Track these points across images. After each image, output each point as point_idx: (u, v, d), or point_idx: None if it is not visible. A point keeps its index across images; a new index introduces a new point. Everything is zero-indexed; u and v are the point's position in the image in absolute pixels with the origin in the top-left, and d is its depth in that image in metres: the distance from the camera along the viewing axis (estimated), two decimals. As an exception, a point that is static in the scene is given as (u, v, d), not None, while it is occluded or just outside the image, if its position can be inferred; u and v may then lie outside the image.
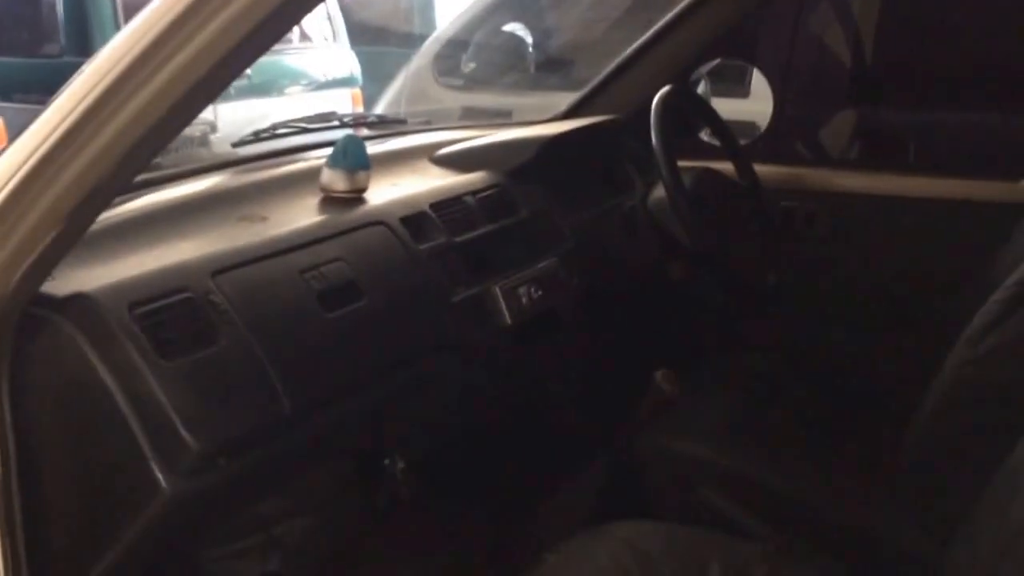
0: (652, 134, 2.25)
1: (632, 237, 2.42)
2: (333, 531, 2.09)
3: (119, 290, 1.43)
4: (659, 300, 2.55)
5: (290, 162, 2.19)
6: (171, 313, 1.45)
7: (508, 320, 2.01)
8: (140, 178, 1.85)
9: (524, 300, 2.05)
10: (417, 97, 5.20)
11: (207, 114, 5.49)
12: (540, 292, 2.09)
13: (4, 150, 1.24)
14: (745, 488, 2.03)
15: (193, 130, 5.11)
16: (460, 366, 1.93)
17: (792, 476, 2.01)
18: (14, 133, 1.27)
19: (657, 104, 2.30)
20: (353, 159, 1.95)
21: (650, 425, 2.19)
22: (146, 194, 1.82)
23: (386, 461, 2.01)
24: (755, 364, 2.43)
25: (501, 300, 2.01)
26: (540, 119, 2.85)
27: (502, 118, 4.09)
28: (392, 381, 1.78)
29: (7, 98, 5.39)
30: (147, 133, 1.17)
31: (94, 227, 1.61)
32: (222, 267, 1.56)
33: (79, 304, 1.40)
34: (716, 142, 2.71)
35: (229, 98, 5.56)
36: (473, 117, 4.82)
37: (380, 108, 5.35)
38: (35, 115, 1.23)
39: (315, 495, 2.00)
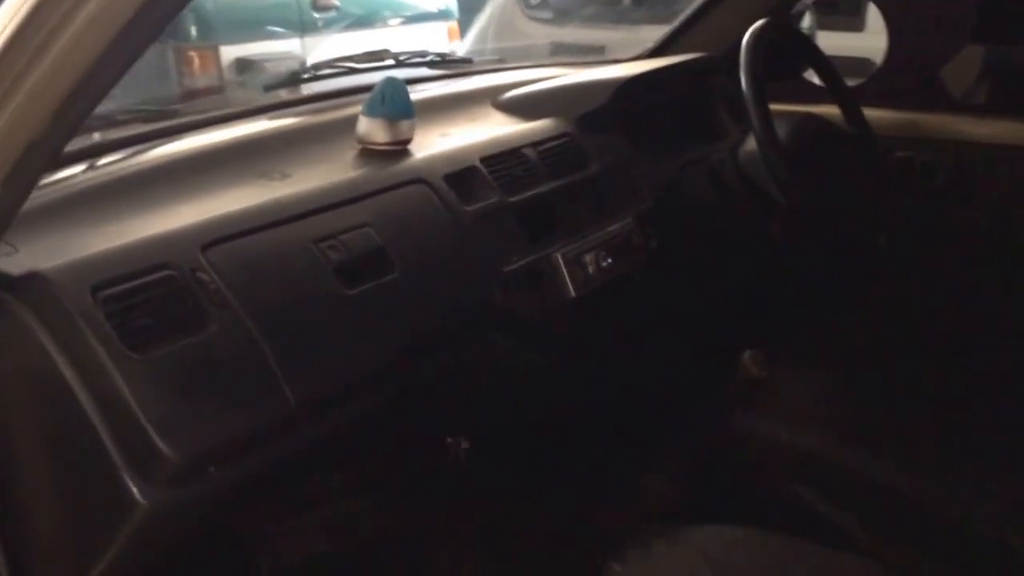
0: (741, 74, 1.95)
1: (721, 194, 2.14)
2: (392, 511, 1.93)
3: (80, 269, 1.21)
4: (750, 267, 2.25)
5: (332, 108, 1.94)
6: (146, 295, 1.23)
7: (572, 292, 1.76)
8: (145, 129, 1.64)
9: (591, 269, 1.80)
10: (504, 31, 4.92)
11: (294, 48, 5.27)
12: (610, 259, 1.83)
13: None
14: (843, 482, 1.81)
15: (278, 66, 4.90)
16: (514, 344, 1.69)
17: (900, 470, 1.78)
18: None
19: (748, 39, 1.99)
20: (393, 106, 1.70)
21: (736, 410, 1.92)
22: (151, 148, 1.60)
23: (448, 440, 1.83)
24: (859, 339, 2.13)
25: (563, 269, 1.75)
26: (625, 58, 2.55)
27: (594, 55, 3.77)
28: (430, 365, 1.55)
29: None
30: (82, 78, 0.94)
31: (78, 188, 1.40)
32: (215, 238, 1.33)
33: (34, 285, 1.19)
34: (821, 83, 2.37)
35: (318, 31, 5.35)
36: (562, 54, 4.52)
37: (466, 44, 5.07)
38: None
39: (371, 474, 1.83)
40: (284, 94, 1.96)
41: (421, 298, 1.51)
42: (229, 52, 4.97)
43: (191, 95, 4.39)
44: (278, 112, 1.87)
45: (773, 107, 1.97)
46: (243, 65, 4.90)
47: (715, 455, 1.94)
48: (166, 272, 1.25)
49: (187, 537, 1.34)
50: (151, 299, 1.22)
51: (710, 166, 2.14)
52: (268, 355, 1.28)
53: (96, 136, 1.63)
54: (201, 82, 4.87)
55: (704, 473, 2.00)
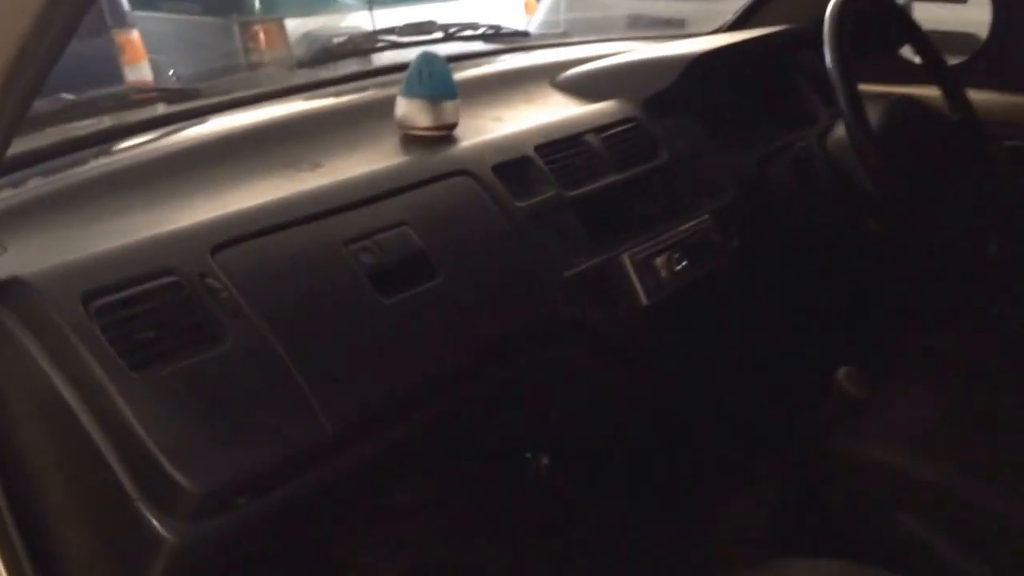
0: (826, 49, 1.72)
1: (809, 186, 1.92)
2: (475, 526, 1.79)
3: (71, 274, 1.06)
4: (844, 270, 2.02)
5: (371, 88, 1.76)
6: (147, 305, 1.07)
7: (643, 299, 1.57)
8: (163, 111, 1.48)
9: (664, 272, 1.60)
10: (578, 3, 4.69)
11: (362, 21, 5.10)
12: (686, 261, 1.63)
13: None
14: (953, 513, 1.59)
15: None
16: (578, 357, 1.51)
17: (1016, 500, 1.56)
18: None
19: (833, 10, 1.76)
20: (432, 84, 1.51)
21: (831, 432, 1.71)
22: (168, 132, 1.44)
23: (528, 455, 1.69)
24: (969, 354, 1.90)
25: (633, 273, 1.56)
26: (702, 32, 2.33)
27: (672, 28, 3.54)
28: (485, 379, 1.37)
29: (153, 7, 5.14)
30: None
31: (84, 177, 1.26)
32: (228, 238, 1.17)
33: (18, 293, 1.04)
34: (918, 61, 2.12)
35: (389, 3, 5.17)
36: (639, 27, 4.28)
37: (538, 16, 4.85)
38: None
39: (451, 488, 1.69)
40: (319, 72, 1.78)
41: (468, 307, 1.33)
42: (296, 26, 4.82)
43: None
44: (311, 93, 1.70)
45: (864, 88, 1.74)
46: (311, 40, 4.74)
47: (809, 480, 1.73)
48: (170, 278, 1.09)
49: (240, 564, 1.18)
50: (153, 309, 1.07)
51: (796, 155, 1.92)
52: (295, 373, 1.11)
53: (107, 120, 1.48)
54: (268, 57, 4.73)
55: (796, 500, 1.79)
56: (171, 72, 4.55)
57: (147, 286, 1.08)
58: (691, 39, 2.18)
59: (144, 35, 4.48)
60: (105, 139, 1.43)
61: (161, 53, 4.62)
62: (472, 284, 1.35)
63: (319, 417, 1.12)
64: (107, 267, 1.08)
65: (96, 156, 1.40)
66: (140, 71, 4.36)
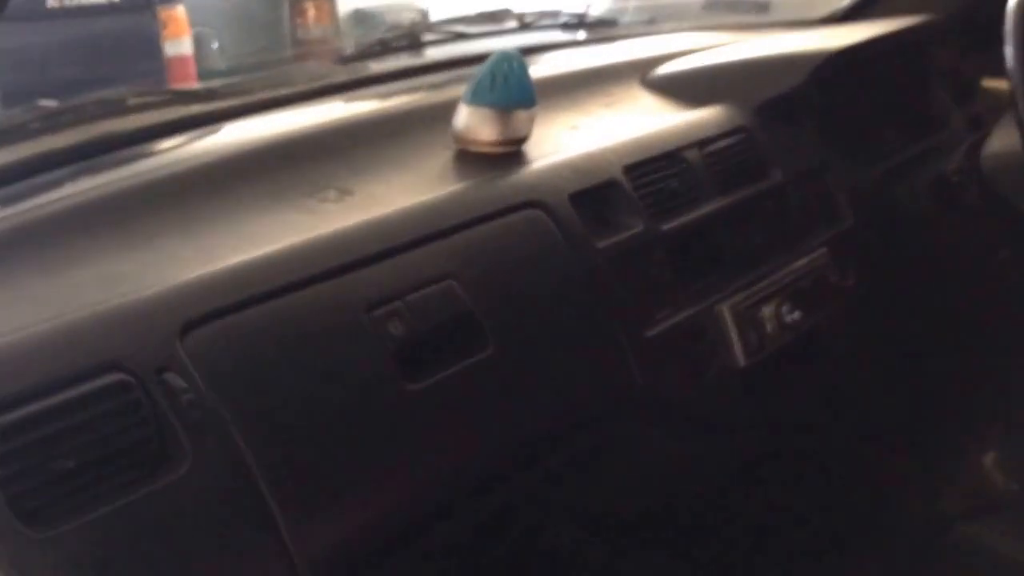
0: (1006, 46, 1.37)
1: (952, 211, 1.57)
2: None
3: None
4: (990, 320, 1.67)
5: (428, 88, 1.45)
6: (75, 420, 0.76)
7: (741, 360, 1.25)
8: (159, 119, 1.18)
9: (770, 326, 1.28)
10: (650, -18, 4.32)
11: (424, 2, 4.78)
12: (798, 311, 1.30)
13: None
14: None
15: (398, 17, 4.40)
16: (655, 432, 1.19)
17: None
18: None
19: (1019, 5, 1.40)
20: (508, 91, 1.19)
21: (963, 525, 1.38)
22: (160, 149, 1.13)
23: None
24: None
25: (732, 328, 1.24)
26: (808, 19, 1.98)
27: (757, 13, 3.17)
28: (528, 475, 1.07)
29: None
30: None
31: (35, 216, 0.96)
32: (206, 311, 0.85)
33: None
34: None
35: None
36: (718, 12, 3.92)
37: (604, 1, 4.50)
38: None
39: None
40: (368, 66, 1.46)
41: (524, 387, 1.02)
42: (346, 3, 4.53)
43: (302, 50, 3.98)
44: (352, 93, 1.38)
45: None
46: (360, 17, 4.44)
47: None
48: (113, 377, 0.78)
49: None
50: (82, 425, 0.75)
51: (937, 172, 1.58)
52: (273, 508, 0.81)
53: (90, 129, 1.18)
54: (315, 33, 4.44)
55: None
56: (215, 45, 4.27)
57: (77, 391, 0.76)
58: (804, 31, 1.83)
59: (190, 10, 4.21)
60: (84, 154, 1.13)
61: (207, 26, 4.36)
62: (531, 355, 1.04)
63: (296, 567, 0.82)
64: (26, 360, 0.77)
65: (73, 178, 1.11)
66: (180, 46, 4.11)
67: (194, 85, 1.37)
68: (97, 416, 0.76)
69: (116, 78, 3.18)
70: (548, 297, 1.08)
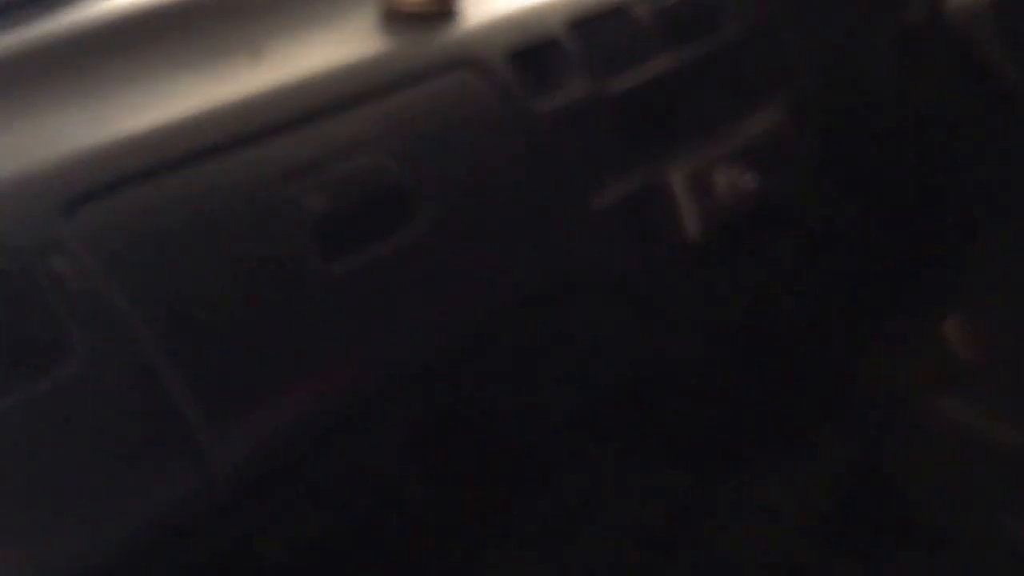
0: None
1: (914, 69, 1.50)
2: None
3: None
4: (955, 187, 1.61)
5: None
6: None
7: (696, 230, 1.17)
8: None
9: (724, 194, 1.21)
10: None
11: None
12: (754, 176, 1.23)
13: None
14: None
15: None
16: (603, 315, 1.13)
17: None
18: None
19: None
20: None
21: (923, 396, 1.35)
22: (52, 13, 1.02)
23: None
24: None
25: (683, 196, 1.16)
26: None
27: None
28: (465, 368, 1.01)
29: None
30: None
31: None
32: (96, 185, 0.76)
33: None
34: None
35: None
36: None
37: None
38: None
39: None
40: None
41: (459, 267, 0.95)
42: None
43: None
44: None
45: None
46: None
47: (876, 456, 1.37)
48: None
49: None
50: None
51: (900, 26, 1.50)
52: (177, 396, 0.73)
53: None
54: None
55: (855, 482, 1.43)
56: None
57: None
58: None
59: None
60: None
61: None
62: (466, 233, 0.97)
63: (207, 458, 0.75)
64: None
65: None
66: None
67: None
68: None
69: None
70: (483, 167, 1.00)
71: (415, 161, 0.94)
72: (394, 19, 1.10)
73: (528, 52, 1.09)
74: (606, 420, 1.36)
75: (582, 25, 1.16)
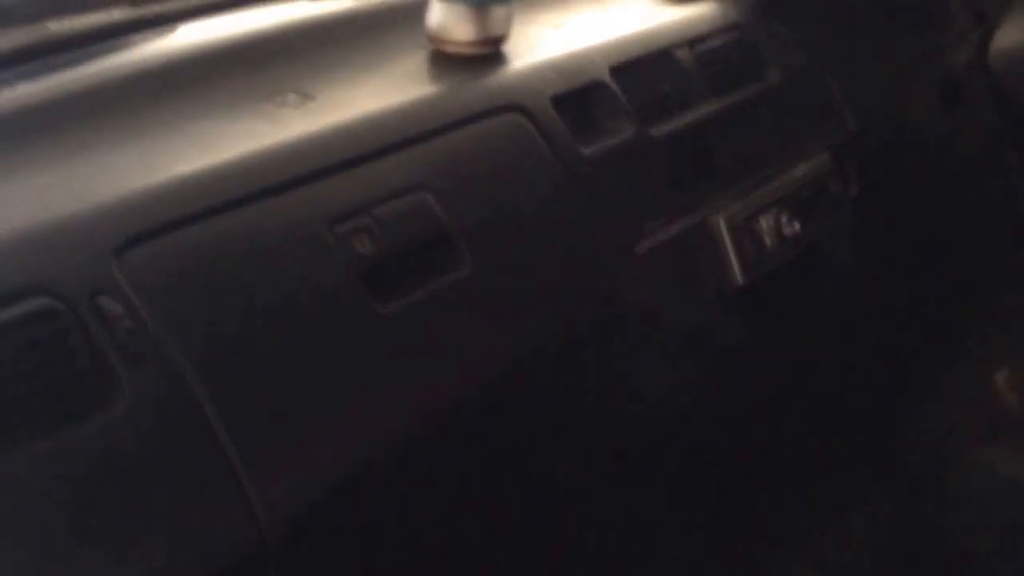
0: None
1: (954, 111, 1.48)
2: None
3: None
4: (1000, 230, 1.59)
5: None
6: None
7: (739, 278, 1.17)
8: (103, 21, 1.08)
9: (769, 239, 1.20)
10: None
11: None
12: (799, 223, 1.22)
13: None
14: None
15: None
16: (646, 358, 1.12)
17: None
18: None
19: None
20: (480, -17, 1.11)
21: (974, 447, 1.33)
22: (104, 51, 1.04)
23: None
24: None
25: (728, 242, 1.16)
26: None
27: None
28: (508, 406, 0.99)
29: None
30: None
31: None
32: (146, 228, 0.76)
33: None
34: None
35: None
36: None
37: None
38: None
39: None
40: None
41: (504, 308, 0.95)
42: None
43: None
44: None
45: None
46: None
47: (926, 505, 1.35)
48: (38, 302, 0.70)
49: None
50: (6, 357, 0.67)
51: (942, 71, 1.50)
52: (226, 446, 0.73)
53: (30, 31, 1.08)
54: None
55: (907, 531, 1.41)
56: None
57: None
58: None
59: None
60: (23, 57, 1.04)
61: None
62: (511, 275, 0.97)
63: (255, 512, 0.75)
64: None
65: (9, 82, 1.01)
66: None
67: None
68: (20, 347, 0.68)
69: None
70: (529, 209, 1.01)
71: (463, 202, 0.94)
72: (441, 62, 1.12)
73: (573, 95, 1.10)
74: (649, 464, 1.35)
75: (626, 68, 1.17)
